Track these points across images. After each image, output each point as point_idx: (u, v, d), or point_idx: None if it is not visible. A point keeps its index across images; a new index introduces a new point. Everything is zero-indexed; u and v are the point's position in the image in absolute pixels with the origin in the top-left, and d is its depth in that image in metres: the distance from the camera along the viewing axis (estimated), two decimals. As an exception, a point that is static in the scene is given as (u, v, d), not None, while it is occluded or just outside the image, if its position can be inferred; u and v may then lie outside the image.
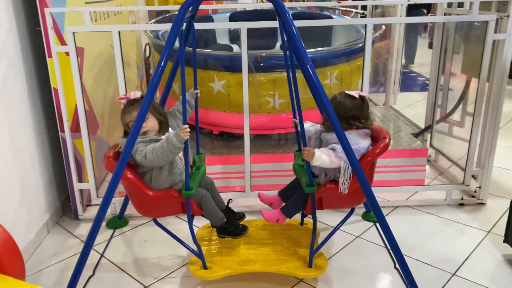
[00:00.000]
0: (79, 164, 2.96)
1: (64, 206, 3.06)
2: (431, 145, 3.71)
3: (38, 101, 2.78)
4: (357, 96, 2.11)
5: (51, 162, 2.92)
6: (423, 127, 3.77)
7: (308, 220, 2.50)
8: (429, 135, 3.73)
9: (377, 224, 2.77)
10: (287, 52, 2.15)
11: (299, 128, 2.13)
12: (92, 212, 3.00)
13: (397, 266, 2.33)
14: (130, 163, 2.06)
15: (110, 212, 2.99)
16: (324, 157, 1.98)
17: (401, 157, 3.14)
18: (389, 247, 2.46)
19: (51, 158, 2.92)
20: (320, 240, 2.31)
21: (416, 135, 3.61)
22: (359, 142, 2.04)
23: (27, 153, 2.63)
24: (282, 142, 3.43)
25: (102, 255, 2.58)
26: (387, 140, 2.07)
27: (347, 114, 2.08)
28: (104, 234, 2.80)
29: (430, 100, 3.66)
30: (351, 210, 2.27)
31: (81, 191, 2.96)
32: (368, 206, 2.86)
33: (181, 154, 2.11)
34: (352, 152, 1.91)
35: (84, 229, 2.86)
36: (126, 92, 2.70)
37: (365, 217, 2.90)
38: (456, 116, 3.50)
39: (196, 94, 2.36)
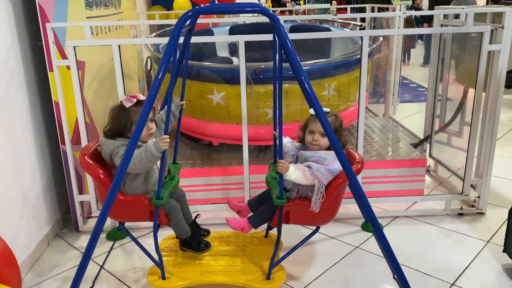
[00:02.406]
0: (80, 176, 2.98)
1: (65, 218, 3.08)
2: (430, 155, 3.72)
3: (39, 114, 2.81)
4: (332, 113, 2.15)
5: (51, 174, 2.94)
6: (422, 137, 3.79)
7: (273, 233, 2.50)
8: (428, 145, 3.74)
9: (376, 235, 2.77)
10: (277, 65, 2.19)
11: (277, 141, 2.15)
12: (93, 224, 3.01)
13: (396, 276, 2.32)
14: (105, 163, 2.07)
15: (110, 224, 3.01)
16: (298, 173, 2.01)
17: (400, 167, 3.15)
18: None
19: (51, 170, 2.94)
20: (282, 254, 2.29)
21: (415, 146, 3.62)
22: (335, 163, 2.05)
23: (28, 165, 2.65)
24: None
25: (101, 267, 2.59)
26: (359, 166, 2.11)
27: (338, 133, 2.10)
28: (104, 246, 2.81)
29: (429, 111, 3.68)
30: (316, 228, 2.26)
31: (81, 203, 2.97)
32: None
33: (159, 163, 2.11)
34: (348, 163, 1.92)
35: (84, 241, 2.87)
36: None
37: (364, 227, 2.91)
38: (454, 126, 3.51)
39: (182, 105, 2.38)
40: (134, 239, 2.27)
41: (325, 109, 2.12)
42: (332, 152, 2.08)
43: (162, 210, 2.12)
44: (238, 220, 2.23)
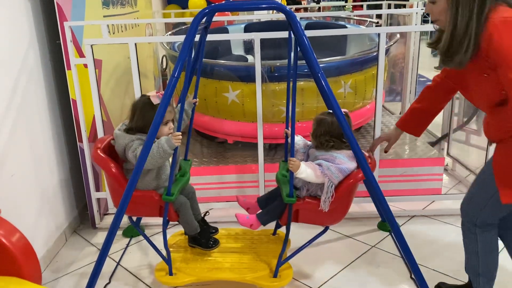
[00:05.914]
0: (97, 173, 3.01)
1: (82, 215, 3.11)
2: (448, 154, 3.66)
3: (57, 112, 2.85)
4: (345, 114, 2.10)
5: (69, 171, 2.98)
6: (440, 135, 3.73)
7: (282, 231, 2.48)
8: (446, 144, 3.69)
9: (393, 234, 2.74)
10: (292, 63, 2.18)
11: (289, 139, 2.13)
12: (109, 220, 3.02)
13: (413, 276, 2.30)
14: (117, 156, 2.08)
15: (126, 220, 3.03)
16: (309, 171, 1.98)
17: (417, 166, 3.11)
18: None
19: (69, 168, 2.98)
20: (290, 252, 2.27)
21: (432, 144, 3.57)
22: (346, 162, 2.02)
23: (46, 162, 2.69)
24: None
25: (118, 263, 2.61)
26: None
27: (340, 132, 2.05)
28: (120, 242, 2.84)
29: (447, 109, 3.62)
30: (325, 228, 2.24)
31: (98, 200, 3.01)
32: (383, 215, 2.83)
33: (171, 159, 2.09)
34: (366, 163, 1.91)
35: (101, 238, 2.90)
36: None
37: (381, 226, 2.88)
38: (473, 124, 3.45)
39: (194, 103, 2.38)
40: (143, 234, 2.31)
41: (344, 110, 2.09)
42: (343, 151, 2.06)
43: (172, 206, 2.12)
44: (247, 217, 2.22)
